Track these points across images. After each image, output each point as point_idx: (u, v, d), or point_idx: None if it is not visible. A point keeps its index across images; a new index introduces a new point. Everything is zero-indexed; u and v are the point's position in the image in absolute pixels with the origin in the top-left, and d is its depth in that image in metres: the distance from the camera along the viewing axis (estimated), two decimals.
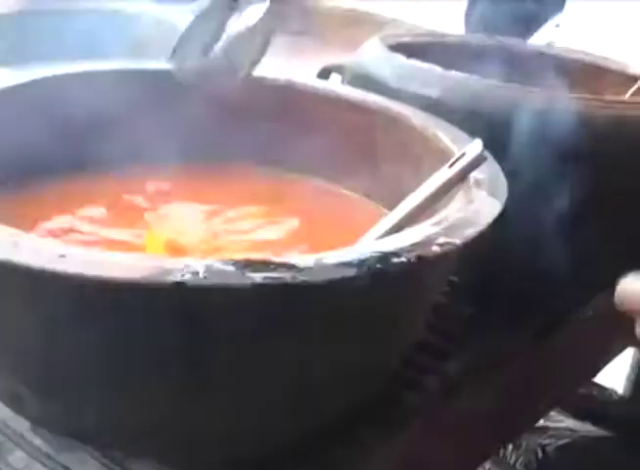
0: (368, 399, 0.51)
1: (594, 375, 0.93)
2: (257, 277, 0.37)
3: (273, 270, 0.37)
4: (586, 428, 1.06)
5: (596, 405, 1.09)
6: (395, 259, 0.40)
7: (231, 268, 0.37)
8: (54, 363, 0.42)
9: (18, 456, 0.51)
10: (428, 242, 0.42)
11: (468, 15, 1.96)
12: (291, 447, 0.49)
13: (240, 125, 0.66)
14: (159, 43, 0.85)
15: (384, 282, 0.41)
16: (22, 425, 0.52)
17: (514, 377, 0.66)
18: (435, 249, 0.42)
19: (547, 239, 0.62)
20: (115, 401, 0.43)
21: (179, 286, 0.36)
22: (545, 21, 1.88)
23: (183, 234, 0.58)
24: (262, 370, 0.42)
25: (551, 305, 0.69)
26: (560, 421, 1.05)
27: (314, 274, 0.38)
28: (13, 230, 0.39)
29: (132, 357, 0.40)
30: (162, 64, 0.67)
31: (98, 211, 0.59)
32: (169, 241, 0.55)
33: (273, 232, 0.59)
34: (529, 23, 1.64)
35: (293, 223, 0.60)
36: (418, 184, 0.53)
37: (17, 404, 0.50)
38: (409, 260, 0.40)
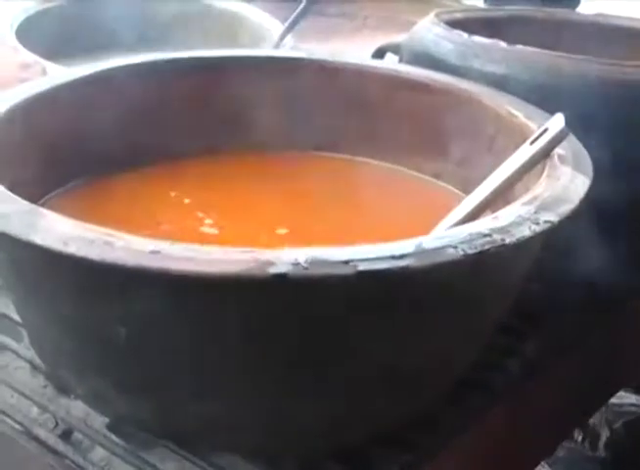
0: (454, 383, 0.50)
1: None
2: (360, 265, 0.36)
3: (375, 258, 0.36)
4: None
5: None
6: (495, 241, 0.39)
7: (332, 257, 0.36)
8: (146, 362, 0.41)
9: (98, 453, 0.50)
10: (524, 222, 0.41)
11: None
12: (378, 434, 0.49)
13: (302, 111, 0.65)
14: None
15: (483, 265, 0.40)
16: (98, 422, 0.52)
17: (591, 355, 0.65)
18: (534, 228, 0.40)
19: (620, 213, 0.60)
20: (209, 398, 0.42)
21: (280, 278, 0.35)
22: None
23: (251, 224, 0.57)
24: (364, 359, 0.41)
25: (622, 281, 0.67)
26: (624, 397, 1.03)
27: (416, 260, 0.37)
28: (104, 229, 0.38)
29: (229, 354, 0.40)
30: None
31: (171, 202, 0.58)
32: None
33: (345, 219, 0.58)
34: None
35: (364, 208, 0.59)
36: (492, 163, 0.52)
37: (100, 403, 0.49)
38: (508, 241, 0.39)
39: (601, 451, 1.00)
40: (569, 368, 0.63)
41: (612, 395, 0.83)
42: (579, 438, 1.01)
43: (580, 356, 0.64)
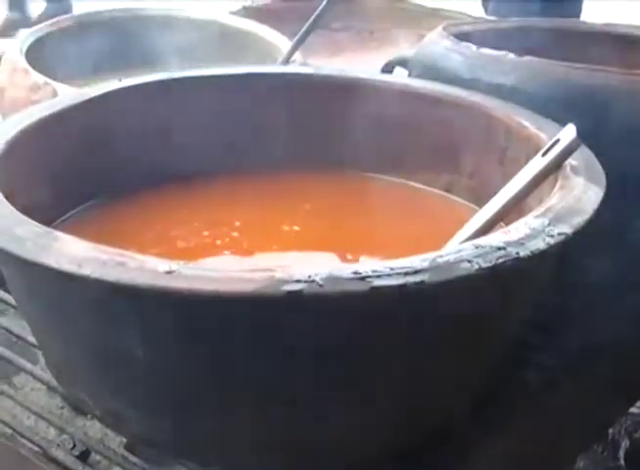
0: (473, 398, 0.50)
1: None
2: (375, 281, 0.36)
3: (389, 274, 0.36)
4: None
5: None
6: (510, 255, 0.39)
7: (347, 274, 0.36)
8: (163, 382, 0.41)
9: None
10: (538, 234, 0.41)
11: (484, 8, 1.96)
12: (397, 448, 0.48)
13: (312, 127, 0.66)
14: None
15: (498, 278, 0.39)
16: (116, 443, 0.52)
17: (610, 363, 0.64)
18: (549, 240, 0.40)
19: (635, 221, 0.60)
20: (226, 417, 0.42)
21: (295, 296, 0.35)
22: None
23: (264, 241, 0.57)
24: (380, 375, 0.41)
25: None
26: None
27: (431, 275, 0.36)
28: (118, 250, 0.38)
29: (245, 372, 0.39)
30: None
31: (184, 221, 0.58)
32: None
33: (358, 235, 0.58)
34: None
35: (376, 224, 0.59)
36: (504, 175, 0.52)
37: (117, 423, 0.49)
38: (523, 254, 0.39)
39: (621, 461, 0.99)
40: (587, 379, 0.63)
41: (632, 404, 0.83)
42: (599, 447, 0.99)
43: (601, 363, 0.64)
